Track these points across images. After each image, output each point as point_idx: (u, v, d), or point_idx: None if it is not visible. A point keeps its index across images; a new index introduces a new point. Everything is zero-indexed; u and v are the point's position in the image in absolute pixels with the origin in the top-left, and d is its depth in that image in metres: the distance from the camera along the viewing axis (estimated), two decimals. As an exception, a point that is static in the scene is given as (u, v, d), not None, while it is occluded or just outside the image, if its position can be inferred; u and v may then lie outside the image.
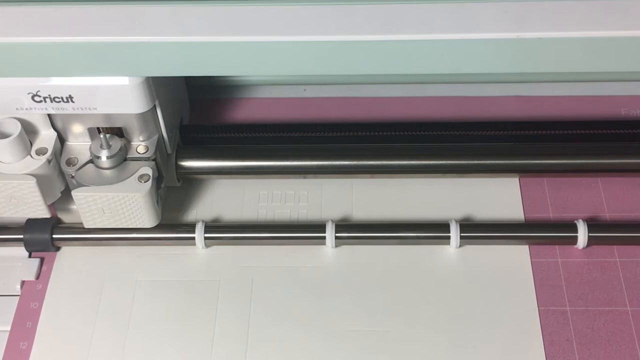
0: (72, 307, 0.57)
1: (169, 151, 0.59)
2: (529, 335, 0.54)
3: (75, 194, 0.54)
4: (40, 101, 0.51)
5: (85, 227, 0.57)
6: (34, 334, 0.55)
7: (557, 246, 0.59)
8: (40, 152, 0.55)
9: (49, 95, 0.51)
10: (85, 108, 0.52)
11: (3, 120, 0.54)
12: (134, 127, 0.55)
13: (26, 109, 0.52)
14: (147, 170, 0.55)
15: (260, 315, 0.56)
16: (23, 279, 0.58)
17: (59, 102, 0.51)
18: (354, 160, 0.61)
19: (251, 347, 0.54)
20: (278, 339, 0.55)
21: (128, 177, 0.55)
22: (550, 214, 0.61)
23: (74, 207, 0.58)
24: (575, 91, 0.70)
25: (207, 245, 0.59)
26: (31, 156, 0.54)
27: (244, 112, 0.69)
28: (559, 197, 0.62)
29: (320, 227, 0.59)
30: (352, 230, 0.59)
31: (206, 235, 0.58)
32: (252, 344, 0.54)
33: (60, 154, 0.56)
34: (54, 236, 0.59)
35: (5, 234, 0.59)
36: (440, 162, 0.61)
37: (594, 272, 0.57)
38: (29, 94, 0.51)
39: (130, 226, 0.57)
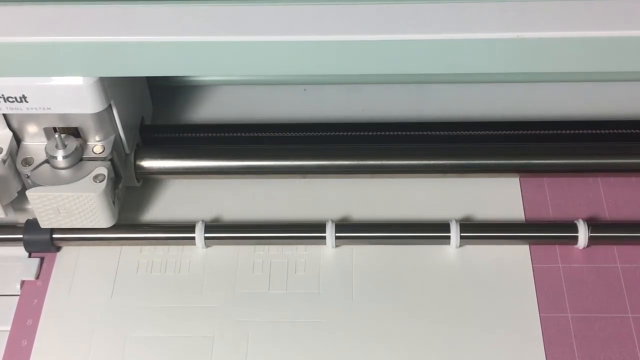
0: (72, 307, 0.57)
1: (127, 151, 0.59)
2: (529, 335, 0.54)
3: (29, 193, 0.54)
4: None
5: (42, 227, 0.57)
6: (34, 334, 0.55)
7: (557, 246, 0.59)
8: None
9: (3, 95, 0.51)
10: (40, 108, 0.52)
11: None
12: (90, 127, 0.55)
13: None
14: (103, 170, 0.55)
15: (259, 314, 0.56)
16: (23, 279, 0.58)
17: (13, 101, 0.51)
18: (354, 160, 0.61)
19: (251, 344, 0.54)
20: (277, 339, 0.55)
21: (83, 177, 0.55)
22: (550, 214, 0.61)
23: (30, 207, 0.58)
24: (575, 91, 0.70)
25: (207, 245, 0.59)
26: None
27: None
28: (559, 197, 0.62)
29: (320, 227, 0.59)
30: (352, 230, 0.59)
31: (206, 235, 0.58)
32: (251, 339, 0.55)
33: (16, 154, 0.56)
34: (54, 236, 0.59)
35: (5, 234, 0.59)
36: (440, 162, 0.61)
37: (594, 272, 0.57)
38: None
39: (86, 226, 0.56)
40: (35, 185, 0.55)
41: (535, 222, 0.61)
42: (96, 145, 0.56)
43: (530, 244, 0.59)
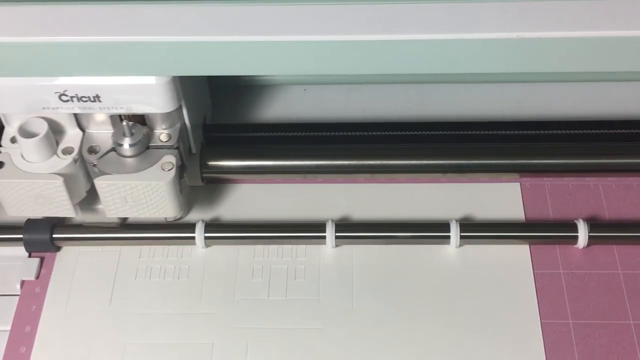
0: (72, 307, 0.57)
1: (194, 150, 0.59)
2: (529, 335, 0.54)
3: (97, 182, 0.54)
4: (67, 100, 0.51)
5: (107, 216, 0.57)
6: (34, 334, 0.55)
7: (557, 246, 0.59)
8: (67, 151, 0.54)
9: (76, 94, 0.51)
10: (112, 107, 0.52)
11: (30, 120, 0.53)
12: (157, 116, 0.55)
13: (53, 108, 0.52)
14: (171, 158, 0.54)
15: (259, 314, 0.56)
16: (23, 279, 0.58)
17: (86, 101, 0.51)
18: (354, 160, 0.61)
19: (251, 352, 0.54)
20: (277, 338, 0.55)
21: (151, 166, 0.54)
22: (550, 213, 0.61)
23: (99, 207, 0.58)
24: (575, 91, 0.70)
25: (207, 245, 0.59)
26: (57, 155, 0.54)
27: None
28: (559, 197, 0.62)
29: (320, 227, 0.59)
30: (352, 230, 0.59)
31: (206, 235, 0.58)
32: (252, 338, 0.55)
33: (82, 143, 0.55)
34: (54, 236, 0.59)
35: (5, 234, 0.59)
36: (440, 162, 0.61)
37: (594, 272, 0.57)
38: (56, 93, 0.51)
39: (153, 216, 0.56)
40: (102, 173, 0.54)
41: (535, 222, 0.61)
42: (162, 133, 0.55)
43: (530, 244, 0.59)
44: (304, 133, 0.64)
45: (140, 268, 0.59)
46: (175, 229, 0.59)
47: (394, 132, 0.64)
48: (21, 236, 0.59)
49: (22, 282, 0.58)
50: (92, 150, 0.55)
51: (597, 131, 0.64)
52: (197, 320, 0.56)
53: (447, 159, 0.61)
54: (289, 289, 0.57)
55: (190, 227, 0.59)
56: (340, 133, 0.64)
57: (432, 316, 0.55)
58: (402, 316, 0.55)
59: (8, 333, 0.55)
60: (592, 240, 0.58)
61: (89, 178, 0.56)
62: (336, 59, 0.47)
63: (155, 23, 0.47)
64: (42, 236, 0.58)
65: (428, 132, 0.64)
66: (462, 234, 0.58)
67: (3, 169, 0.53)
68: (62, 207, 0.55)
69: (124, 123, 0.54)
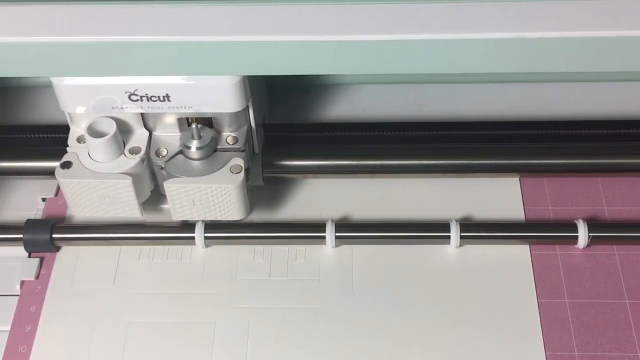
0: (72, 307, 0.57)
1: (256, 150, 0.59)
2: (529, 335, 0.54)
3: (167, 185, 0.54)
4: (137, 100, 0.51)
5: (174, 219, 0.57)
6: (34, 334, 0.55)
7: (557, 246, 0.59)
8: (134, 151, 0.54)
9: (146, 94, 0.51)
10: (181, 107, 0.52)
11: (98, 119, 0.53)
12: (225, 117, 0.55)
13: (122, 108, 0.52)
14: (239, 161, 0.54)
15: (259, 313, 0.56)
16: (23, 279, 0.58)
17: (155, 101, 0.51)
18: (354, 160, 0.61)
19: (252, 339, 0.55)
20: (278, 338, 0.55)
21: (219, 168, 0.54)
22: (550, 214, 0.61)
23: (162, 206, 0.58)
24: (575, 91, 0.70)
25: (207, 245, 0.59)
26: (125, 155, 0.54)
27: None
28: (559, 197, 0.62)
29: (320, 226, 0.58)
30: (352, 230, 0.59)
31: (206, 234, 0.58)
32: (252, 338, 0.55)
33: (149, 145, 0.55)
34: (54, 236, 0.59)
35: (5, 233, 0.59)
36: (440, 162, 0.61)
37: (594, 272, 0.57)
38: (125, 92, 0.51)
39: (220, 218, 0.56)
40: (170, 176, 0.54)
41: (535, 222, 0.61)
42: (229, 135, 0.55)
43: (530, 244, 0.59)
44: (303, 133, 0.64)
45: (141, 263, 0.59)
46: (175, 229, 0.59)
47: (394, 132, 0.64)
48: (21, 236, 0.59)
49: (22, 282, 0.58)
50: (159, 153, 0.55)
51: (597, 131, 0.64)
52: (199, 300, 0.56)
53: (447, 159, 0.61)
54: (289, 289, 0.57)
55: (190, 227, 0.59)
56: (340, 133, 0.64)
57: (432, 316, 0.55)
58: (402, 316, 0.55)
59: (8, 333, 0.55)
60: (592, 240, 0.58)
61: (154, 178, 0.57)
62: (336, 59, 0.47)
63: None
64: (42, 236, 0.58)
65: (428, 132, 0.64)
66: (462, 234, 0.58)
67: (71, 169, 0.54)
68: (129, 207, 0.55)
69: (193, 126, 0.54)
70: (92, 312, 0.56)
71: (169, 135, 0.56)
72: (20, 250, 0.59)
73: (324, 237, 0.58)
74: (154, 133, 0.56)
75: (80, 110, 0.53)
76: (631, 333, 0.54)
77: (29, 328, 0.56)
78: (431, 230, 0.59)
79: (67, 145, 0.55)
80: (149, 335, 0.55)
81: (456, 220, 0.58)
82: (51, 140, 0.65)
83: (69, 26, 0.47)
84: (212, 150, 0.55)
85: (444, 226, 0.58)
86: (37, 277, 0.58)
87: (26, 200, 0.63)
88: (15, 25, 0.47)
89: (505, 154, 0.62)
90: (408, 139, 0.64)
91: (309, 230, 0.59)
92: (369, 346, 0.54)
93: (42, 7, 0.47)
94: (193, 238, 0.58)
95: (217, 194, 0.54)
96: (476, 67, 0.47)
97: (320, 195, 0.62)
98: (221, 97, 0.51)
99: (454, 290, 0.57)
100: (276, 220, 0.61)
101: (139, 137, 0.55)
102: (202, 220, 0.59)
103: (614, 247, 0.59)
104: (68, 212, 0.62)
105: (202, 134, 0.54)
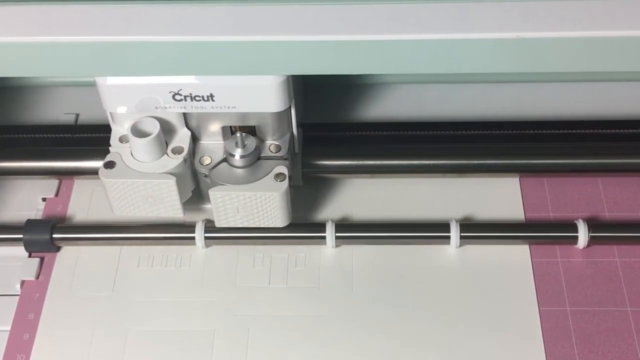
0: (72, 307, 0.57)
1: (297, 150, 0.59)
2: (529, 335, 0.54)
3: (212, 192, 0.54)
4: (181, 100, 0.51)
5: (217, 226, 0.57)
6: (34, 334, 0.55)
7: (557, 246, 0.59)
8: (176, 151, 0.54)
9: (190, 94, 0.51)
10: (225, 107, 0.51)
11: (142, 119, 0.53)
12: (268, 125, 0.55)
13: (165, 107, 0.52)
14: (283, 169, 0.55)
15: (258, 320, 0.56)
16: (23, 279, 0.58)
17: (199, 100, 0.51)
18: (355, 160, 0.61)
19: (252, 338, 0.55)
20: (277, 345, 0.55)
21: (264, 176, 0.54)
22: (550, 214, 0.61)
23: (205, 206, 0.58)
24: (575, 91, 0.70)
25: (207, 245, 0.59)
26: (168, 155, 0.54)
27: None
28: (559, 197, 0.62)
29: (320, 227, 0.58)
30: (352, 230, 0.59)
31: (206, 235, 0.58)
32: (252, 338, 0.55)
33: (193, 153, 0.56)
34: (54, 236, 0.59)
35: (5, 233, 0.59)
36: (440, 162, 0.61)
37: (594, 272, 0.57)
38: (170, 92, 0.51)
39: (262, 225, 0.56)
40: (214, 183, 0.54)
41: (535, 222, 0.61)
42: (272, 144, 0.56)
43: (530, 244, 0.59)
44: (303, 133, 0.64)
45: (142, 261, 0.59)
46: (175, 229, 0.59)
47: (394, 132, 0.64)
48: (21, 236, 0.59)
49: (22, 282, 0.58)
50: (203, 161, 0.55)
51: (597, 131, 0.64)
52: (198, 308, 0.56)
53: (447, 159, 0.61)
54: (289, 296, 0.57)
55: (190, 227, 0.59)
56: (340, 133, 0.64)
57: (432, 316, 0.55)
58: (402, 316, 0.55)
59: (8, 333, 0.55)
60: (592, 240, 0.58)
61: (195, 179, 0.57)
62: (336, 59, 0.47)
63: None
64: (42, 236, 0.58)
65: (428, 132, 0.64)
66: (462, 234, 0.58)
67: (114, 169, 0.54)
68: (171, 207, 0.55)
69: (238, 134, 0.54)
70: (92, 312, 0.56)
71: (212, 143, 0.56)
72: (20, 250, 0.59)
73: (324, 237, 0.58)
74: (200, 141, 0.56)
75: (123, 110, 0.53)
76: (631, 332, 0.54)
77: (29, 328, 0.56)
78: (431, 230, 0.59)
79: (97, 145, 0.55)
80: (148, 341, 0.55)
81: (456, 220, 0.58)
82: (51, 140, 0.65)
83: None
84: (255, 158, 0.55)
85: (444, 226, 0.58)
86: (37, 277, 0.58)
87: (26, 200, 0.63)
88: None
89: (505, 154, 0.62)
90: (408, 139, 0.64)
91: (309, 230, 0.59)
92: (369, 347, 0.54)
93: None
94: (193, 238, 0.58)
95: (262, 201, 0.54)
96: (476, 67, 0.47)
97: (320, 195, 0.62)
98: (265, 96, 0.51)
99: (454, 290, 0.57)
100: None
101: (182, 136, 0.55)
102: (202, 220, 0.59)
103: (614, 247, 0.59)
104: (68, 212, 0.62)
105: (246, 142, 0.54)
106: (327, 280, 0.58)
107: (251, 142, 0.55)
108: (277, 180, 0.54)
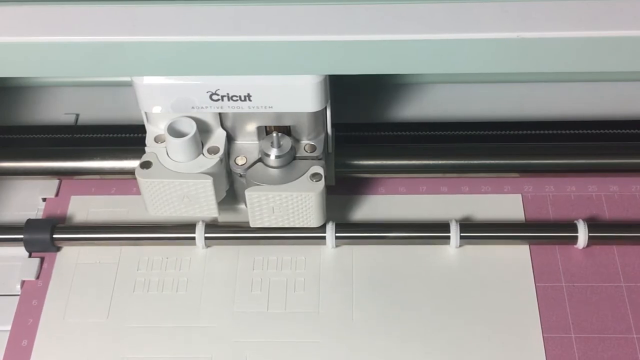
0: (73, 307, 0.57)
1: (330, 150, 0.58)
2: (529, 335, 0.54)
3: (249, 192, 0.54)
4: (218, 100, 0.51)
5: (252, 226, 0.57)
6: (34, 334, 0.55)
7: (557, 246, 0.59)
8: (212, 151, 0.54)
9: (227, 93, 0.50)
10: (262, 107, 0.51)
11: (178, 119, 0.53)
12: (303, 125, 0.54)
13: (202, 107, 0.52)
14: (318, 169, 0.54)
15: (256, 346, 0.55)
16: (23, 279, 0.58)
17: (236, 100, 0.51)
18: (355, 160, 0.61)
19: (251, 339, 0.55)
20: (278, 335, 0.55)
21: (299, 177, 0.54)
22: (550, 214, 0.61)
23: (238, 206, 0.58)
24: (575, 91, 0.70)
25: (207, 245, 0.59)
26: (204, 155, 0.54)
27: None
28: (559, 197, 0.62)
29: (320, 227, 0.58)
30: (352, 230, 0.59)
31: (206, 235, 0.58)
32: (251, 338, 0.55)
33: (228, 153, 0.55)
34: (54, 236, 0.59)
35: (5, 234, 0.59)
36: (440, 162, 0.61)
37: (594, 272, 0.57)
38: (207, 92, 0.50)
39: (296, 225, 0.56)
40: (250, 183, 0.54)
41: (535, 222, 0.61)
42: (307, 144, 0.56)
43: (530, 244, 0.59)
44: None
45: (141, 269, 0.59)
46: (175, 229, 0.59)
47: (394, 132, 0.64)
48: (21, 236, 0.59)
49: (22, 282, 0.58)
50: (238, 161, 0.55)
51: (597, 131, 0.64)
52: (195, 334, 0.55)
53: (447, 159, 0.61)
54: (289, 289, 0.57)
55: (190, 227, 0.59)
56: (341, 133, 0.64)
57: (432, 316, 0.55)
58: (402, 316, 0.55)
59: (8, 333, 0.56)
60: (592, 241, 0.58)
61: (229, 179, 0.57)
62: (336, 59, 0.47)
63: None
64: (42, 236, 0.58)
65: (428, 132, 0.64)
66: (462, 234, 0.58)
67: (151, 169, 0.53)
68: (207, 207, 0.55)
69: (274, 134, 0.54)
70: (93, 312, 0.56)
71: (247, 143, 0.56)
72: (20, 250, 0.59)
73: (324, 237, 0.58)
74: (235, 141, 0.56)
75: (159, 109, 0.52)
76: (631, 331, 0.54)
77: (29, 328, 0.56)
78: (431, 230, 0.59)
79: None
80: (150, 330, 0.55)
81: (456, 220, 0.58)
82: (51, 140, 0.65)
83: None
84: (291, 158, 0.55)
85: (444, 226, 0.58)
86: (37, 277, 0.58)
87: (26, 200, 0.63)
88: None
89: (505, 154, 0.62)
90: (408, 139, 0.64)
91: (309, 230, 0.59)
92: (368, 344, 0.54)
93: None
94: (193, 238, 0.58)
95: (298, 201, 0.54)
96: (476, 67, 0.47)
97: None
98: (303, 96, 0.51)
99: (454, 290, 0.57)
100: (236, 221, 0.60)
101: (217, 136, 0.55)
102: (202, 220, 0.59)
103: (614, 247, 0.59)
104: (68, 212, 0.62)
105: (282, 142, 0.54)
106: (327, 282, 0.58)
107: (287, 142, 0.55)
108: (313, 180, 0.54)
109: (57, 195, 0.63)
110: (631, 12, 0.46)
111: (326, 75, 0.50)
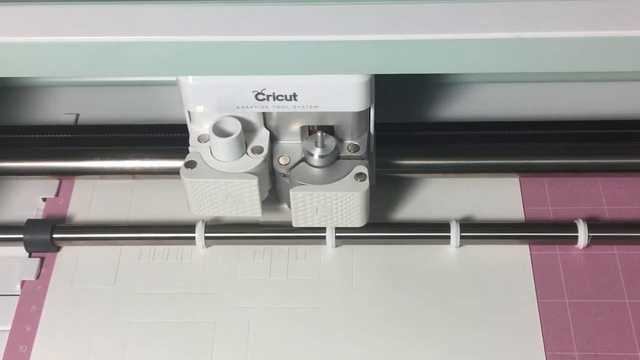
0: (73, 307, 0.57)
1: (371, 150, 0.58)
2: (529, 335, 0.54)
3: (293, 192, 0.54)
4: (263, 99, 0.51)
5: (294, 225, 0.57)
6: (34, 334, 0.55)
7: (557, 246, 0.59)
8: (256, 150, 0.54)
9: (273, 93, 0.50)
10: (307, 106, 0.51)
11: (223, 119, 0.53)
12: (347, 125, 0.54)
13: (247, 107, 0.51)
14: (362, 169, 0.54)
15: (260, 314, 0.56)
16: (23, 279, 0.58)
17: (282, 100, 0.51)
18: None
19: (251, 339, 0.55)
20: (278, 338, 0.55)
21: (344, 176, 0.54)
22: (550, 214, 0.61)
23: (279, 206, 0.59)
24: (575, 91, 0.70)
25: (207, 245, 0.59)
26: (248, 155, 0.54)
27: None
28: (559, 197, 0.62)
29: (320, 227, 0.58)
30: (352, 230, 0.59)
31: (206, 235, 0.58)
32: (251, 339, 0.55)
33: (271, 153, 0.55)
34: (54, 236, 0.59)
35: (5, 233, 0.59)
36: (440, 162, 0.61)
37: (594, 272, 0.57)
38: (253, 92, 0.50)
39: (340, 225, 0.56)
40: (294, 183, 0.54)
41: (535, 222, 0.61)
42: (350, 143, 0.55)
43: (530, 244, 0.59)
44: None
45: (142, 263, 0.59)
46: (175, 229, 0.59)
47: (394, 133, 0.64)
48: (21, 236, 0.59)
49: (22, 282, 0.58)
50: (282, 161, 0.55)
51: (597, 131, 0.64)
52: (199, 300, 0.57)
53: (447, 159, 0.61)
54: (289, 288, 0.57)
55: (191, 227, 0.59)
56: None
57: (431, 316, 0.55)
58: (402, 316, 0.55)
59: (8, 333, 0.55)
60: (592, 240, 0.58)
61: (271, 178, 0.57)
62: (336, 59, 0.47)
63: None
64: (42, 236, 0.58)
65: (428, 132, 0.64)
66: (462, 234, 0.58)
67: (196, 169, 0.53)
68: (250, 207, 0.55)
69: (318, 134, 0.54)
70: (93, 312, 0.56)
71: (290, 142, 0.56)
72: (20, 250, 0.59)
73: (324, 237, 0.58)
74: (279, 141, 0.56)
75: (204, 109, 0.52)
76: (631, 333, 0.54)
77: (29, 329, 0.56)
78: (431, 230, 0.59)
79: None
80: (149, 335, 0.55)
81: (456, 221, 0.58)
82: (51, 140, 0.65)
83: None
84: (335, 158, 0.55)
85: (444, 226, 0.58)
86: (37, 277, 0.58)
87: (26, 200, 0.63)
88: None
89: (505, 154, 0.62)
90: (408, 139, 0.64)
91: (309, 230, 0.59)
92: (368, 346, 0.54)
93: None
94: (193, 238, 0.58)
95: (343, 201, 0.54)
96: (476, 67, 0.47)
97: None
98: (349, 96, 0.50)
99: (454, 290, 0.57)
100: (277, 220, 0.61)
101: (261, 136, 0.55)
102: (202, 220, 0.59)
103: (614, 247, 0.59)
104: (68, 212, 0.62)
105: (326, 142, 0.54)
106: (327, 281, 0.58)
107: (331, 141, 0.54)
108: (357, 180, 0.54)
109: (57, 195, 0.63)
110: (631, 12, 0.46)
111: (372, 75, 0.50)
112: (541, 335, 0.54)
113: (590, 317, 0.55)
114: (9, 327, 0.56)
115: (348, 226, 0.56)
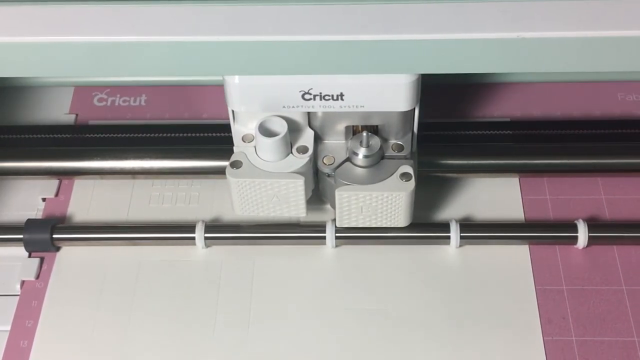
0: (72, 307, 0.57)
1: (414, 149, 0.58)
2: (529, 335, 0.54)
3: (339, 192, 0.54)
4: (310, 99, 0.50)
5: (338, 225, 0.57)
6: (34, 334, 0.55)
7: (557, 246, 0.59)
8: (301, 150, 0.54)
9: (320, 93, 0.50)
10: (353, 106, 0.51)
11: (269, 118, 0.53)
12: (392, 125, 0.54)
13: (293, 107, 0.51)
14: (408, 168, 0.54)
15: (260, 315, 0.56)
16: (23, 279, 0.58)
17: (328, 100, 0.50)
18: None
19: (251, 340, 0.55)
20: (278, 339, 0.55)
21: (389, 176, 0.54)
22: (550, 214, 0.61)
23: (323, 206, 0.59)
24: (575, 91, 0.70)
25: (207, 245, 0.59)
26: (293, 155, 0.54)
27: None
28: (559, 197, 0.62)
29: (320, 227, 0.58)
30: (352, 230, 0.59)
31: (206, 235, 0.58)
32: (251, 340, 0.55)
33: (315, 153, 0.55)
34: (54, 236, 0.59)
35: (5, 234, 0.59)
36: (440, 162, 0.61)
37: (594, 272, 0.57)
38: (300, 91, 0.50)
39: (383, 225, 0.56)
40: (338, 183, 0.54)
41: (535, 222, 0.61)
42: (395, 143, 0.55)
43: (530, 244, 0.59)
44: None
45: (143, 263, 0.59)
46: (175, 229, 0.59)
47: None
48: (21, 236, 0.59)
49: (22, 282, 0.58)
50: (326, 161, 0.55)
51: (597, 131, 0.64)
52: (197, 320, 0.56)
53: (448, 159, 0.61)
54: (289, 288, 0.57)
55: (190, 227, 0.59)
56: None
57: (431, 316, 0.55)
58: (402, 316, 0.55)
59: (8, 333, 0.55)
60: (592, 240, 0.58)
61: (315, 178, 0.57)
62: (336, 59, 0.47)
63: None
64: (42, 236, 0.58)
65: (427, 132, 0.64)
66: (462, 234, 0.58)
67: (242, 168, 0.53)
68: (296, 206, 0.55)
69: (363, 133, 0.53)
70: (93, 311, 0.56)
71: (334, 142, 0.56)
72: (20, 250, 0.59)
73: (324, 237, 0.58)
74: (323, 141, 0.56)
75: (250, 108, 0.52)
76: (632, 333, 0.54)
77: (29, 328, 0.56)
78: (431, 230, 0.59)
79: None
80: (149, 335, 0.55)
81: (456, 221, 0.58)
82: (51, 140, 0.65)
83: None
84: (379, 158, 0.55)
85: (444, 226, 0.58)
86: (37, 277, 0.58)
87: (26, 200, 0.63)
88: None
89: (505, 154, 0.62)
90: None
91: (309, 230, 0.59)
92: (368, 345, 0.54)
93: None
94: (193, 238, 0.58)
95: (388, 201, 0.54)
96: (476, 67, 0.47)
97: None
98: (396, 95, 0.50)
99: (454, 290, 0.57)
100: (277, 220, 0.61)
101: (306, 136, 0.55)
102: (202, 220, 0.59)
103: (614, 247, 0.59)
104: (68, 212, 0.62)
105: (371, 141, 0.54)
106: (327, 282, 0.58)
107: (375, 141, 0.54)
108: (402, 180, 0.54)
109: (57, 195, 0.63)
110: (631, 12, 0.46)
111: (419, 75, 0.50)
112: (541, 335, 0.54)
113: (591, 317, 0.55)
114: (8, 327, 0.56)
115: (391, 226, 0.56)
